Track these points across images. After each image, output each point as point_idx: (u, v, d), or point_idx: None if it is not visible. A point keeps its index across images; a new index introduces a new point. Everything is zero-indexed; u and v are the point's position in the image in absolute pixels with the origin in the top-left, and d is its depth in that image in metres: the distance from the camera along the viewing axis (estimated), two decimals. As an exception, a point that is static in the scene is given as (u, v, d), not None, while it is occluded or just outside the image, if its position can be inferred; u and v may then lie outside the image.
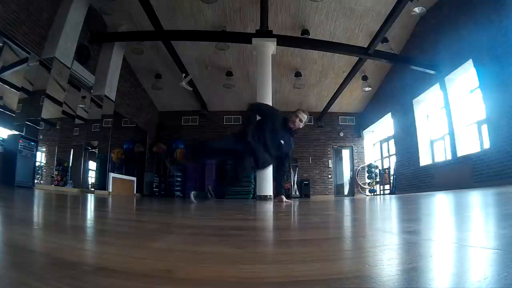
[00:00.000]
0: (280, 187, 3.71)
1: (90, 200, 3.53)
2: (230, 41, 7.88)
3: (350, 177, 11.99)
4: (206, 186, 3.63)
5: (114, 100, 7.95)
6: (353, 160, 11.96)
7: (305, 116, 3.45)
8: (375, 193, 11.19)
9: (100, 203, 2.96)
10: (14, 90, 5.30)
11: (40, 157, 5.81)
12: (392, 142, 10.37)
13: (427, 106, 8.49)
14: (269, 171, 6.35)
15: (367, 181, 11.52)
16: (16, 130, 5.08)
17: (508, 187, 4.26)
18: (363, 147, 12.04)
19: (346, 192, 11.97)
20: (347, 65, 9.03)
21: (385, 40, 7.78)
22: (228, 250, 0.67)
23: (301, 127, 3.47)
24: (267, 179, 6.43)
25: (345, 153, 12.21)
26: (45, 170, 6.01)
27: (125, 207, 2.68)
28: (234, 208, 2.69)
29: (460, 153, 6.70)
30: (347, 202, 4.26)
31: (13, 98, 5.29)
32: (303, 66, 9.54)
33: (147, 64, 9.45)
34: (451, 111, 7.01)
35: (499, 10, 5.43)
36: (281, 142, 3.32)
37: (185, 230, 1.06)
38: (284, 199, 3.63)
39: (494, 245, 0.63)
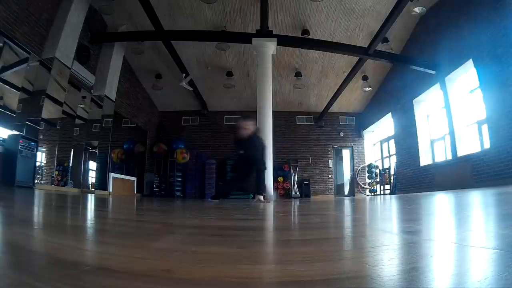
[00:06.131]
0: (257, 187, 3.90)
1: (90, 200, 3.53)
2: (230, 41, 7.88)
3: (351, 177, 11.99)
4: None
5: (114, 100, 7.95)
6: (353, 160, 11.96)
7: (248, 122, 3.72)
8: (375, 193, 11.19)
9: (100, 203, 2.96)
10: (15, 90, 5.29)
11: (40, 157, 5.80)
12: (392, 142, 10.37)
13: (428, 106, 8.48)
14: (269, 172, 6.40)
15: (368, 181, 11.51)
16: (17, 130, 5.08)
17: (508, 187, 4.26)
18: (363, 147, 12.04)
19: (346, 192, 11.97)
20: (347, 65, 9.03)
21: (385, 40, 7.78)
22: (228, 250, 0.67)
23: (250, 130, 3.69)
24: (266, 180, 6.42)
25: (345, 153, 12.21)
26: (45, 170, 6.01)
27: (125, 207, 2.68)
28: (234, 208, 2.69)
29: (461, 153, 6.70)
30: (347, 202, 4.26)
31: (13, 98, 5.28)
32: (303, 66, 9.53)
33: (147, 64, 9.45)
34: (451, 111, 7.01)
35: (499, 10, 5.43)
36: (240, 153, 3.67)
37: (185, 230, 1.06)
38: (261, 198, 3.75)
39: (494, 245, 0.63)
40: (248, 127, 3.54)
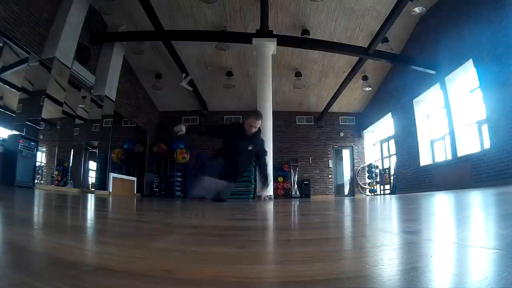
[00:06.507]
0: (262, 185, 4.00)
1: (90, 200, 3.53)
2: (230, 41, 7.88)
3: (351, 177, 11.99)
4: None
5: (114, 100, 7.94)
6: (353, 160, 11.96)
7: (258, 122, 3.67)
8: (375, 193, 11.19)
9: (100, 203, 2.96)
10: (15, 90, 5.29)
11: (41, 157, 5.80)
12: (392, 142, 10.37)
13: (428, 106, 8.48)
14: (269, 172, 6.39)
15: (368, 181, 11.51)
16: (17, 130, 5.08)
17: (508, 187, 4.26)
18: (363, 147, 12.04)
19: (346, 192, 11.97)
20: (347, 65, 9.03)
21: (385, 40, 7.78)
22: (228, 250, 0.67)
23: (256, 129, 3.70)
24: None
25: (345, 153, 12.21)
26: (45, 170, 6.01)
27: (125, 207, 2.68)
28: (234, 208, 2.69)
29: (460, 153, 6.70)
30: (347, 202, 4.26)
31: (13, 98, 5.28)
32: (303, 66, 9.53)
33: (147, 64, 9.45)
34: (451, 111, 7.01)
35: (499, 10, 5.43)
36: (248, 149, 3.65)
37: (185, 230, 1.06)
38: (266, 196, 3.87)
39: (494, 245, 0.63)
40: (256, 126, 3.63)
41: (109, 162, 8.02)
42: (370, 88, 10.00)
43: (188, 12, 7.55)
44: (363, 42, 7.88)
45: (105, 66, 7.64)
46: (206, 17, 7.69)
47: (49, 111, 5.82)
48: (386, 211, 2.22)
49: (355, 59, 8.35)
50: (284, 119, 11.72)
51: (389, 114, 10.01)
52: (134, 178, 9.32)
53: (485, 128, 6.05)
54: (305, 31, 7.79)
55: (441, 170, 7.35)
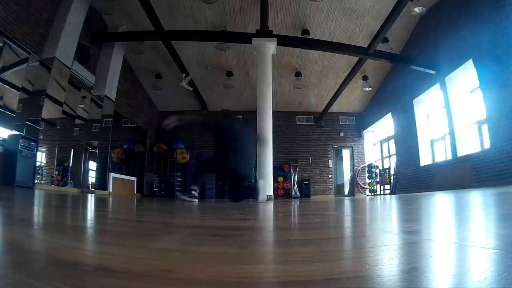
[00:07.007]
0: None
1: (90, 200, 3.53)
2: (230, 41, 7.88)
3: (351, 177, 11.99)
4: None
5: (114, 100, 7.95)
6: (353, 160, 11.96)
7: None
8: (375, 193, 11.19)
9: (100, 203, 2.96)
10: (15, 90, 5.29)
11: (41, 157, 5.80)
12: (392, 142, 10.37)
13: (428, 106, 8.48)
14: (269, 171, 6.41)
15: (367, 181, 11.51)
16: (17, 130, 5.08)
17: (508, 187, 4.26)
18: (363, 147, 12.04)
19: (346, 192, 11.97)
20: (347, 65, 9.03)
21: (385, 40, 7.78)
22: (228, 250, 0.67)
23: None
24: (266, 179, 6.42)
25: (345, 153, 12.21)
26: (45, 170, 6.01)
27: (125, 207, 2.68)
28: (234, 208, 2.69)
29: (461, 153, 6.70)
30: (347, 202, 4.26)
31: (13, 98, 5.28)
32: (303, 66, 9.53)
33: (147, 64, 9.45)
34: (451, 111, 7.01)
35: (499, 10, 5.43)
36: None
37: (185, 230, 1.06)
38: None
39: (494, 245, 0.63)
40: None
41: (109, 162, 8.02)
42: (370, 88, 10.00)
43: (188, 12, 7.55)
44: (363, 42, 7.88)
45: (105, 66, 7.64)
46: (206, 17, 7.69)
47: (49, 111, 5.82)
48: (386, 211, 2.22)
49: (355, 59, 8.35)
50: (284, 119, 11.72)
51: (389, 114, 10.01)
52: (134, 178, 9.32)
53: (485, 128, 6.05)
54: (305, 31, 7.79)
55: (441, 170, 7.35)
